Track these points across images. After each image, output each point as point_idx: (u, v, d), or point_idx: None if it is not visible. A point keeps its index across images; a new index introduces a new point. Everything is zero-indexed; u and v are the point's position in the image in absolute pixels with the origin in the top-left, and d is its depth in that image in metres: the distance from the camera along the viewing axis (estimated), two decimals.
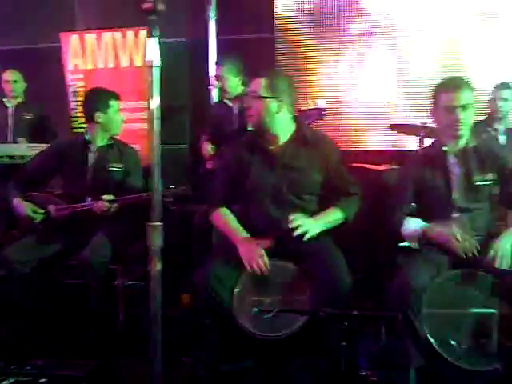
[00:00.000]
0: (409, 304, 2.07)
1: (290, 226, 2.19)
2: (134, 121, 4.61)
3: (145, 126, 4.69)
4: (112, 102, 2.97)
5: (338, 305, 2.05)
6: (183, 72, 4.71)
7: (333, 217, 2.36)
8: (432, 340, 2.09)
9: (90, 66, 4.77)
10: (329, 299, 2.08)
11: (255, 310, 1.91)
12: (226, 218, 2.43)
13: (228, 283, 2.21)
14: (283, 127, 2.39)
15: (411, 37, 4.42)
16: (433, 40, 4.39)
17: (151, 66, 1.52)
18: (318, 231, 2.26)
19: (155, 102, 1.57)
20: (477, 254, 2.18)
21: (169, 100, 4.70)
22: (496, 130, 3.76)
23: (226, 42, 4.65)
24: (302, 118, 2.64)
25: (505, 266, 2.15)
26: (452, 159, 2.36)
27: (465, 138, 2.36)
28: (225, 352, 2.24)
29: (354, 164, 3.33)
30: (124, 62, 4.73)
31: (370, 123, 4.51)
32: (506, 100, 3.71)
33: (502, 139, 3.74)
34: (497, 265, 2.15)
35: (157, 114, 1.55)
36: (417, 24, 4.41)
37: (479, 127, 3.79)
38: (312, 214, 2.36)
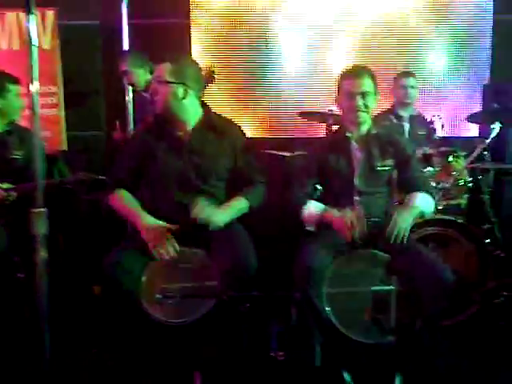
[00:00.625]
0: (307, 283, 2.14)
1: (194, 213, 2.17)
2: (42, 106, 4.41)
3: (54, 111, 4.53)
4: (11, 86, 2.83)
5: (244, 288, 2.09)
6: (97, 56, 4.55)
7: (238, 206, 2.37)
8: (332, 317, 2.18)
9: None
10: (235, 283, 2.11)
11: (158, 296, 1.89)
12: (125, 200, 2.37)
13: (136, 271, 2.18)
14: (191, 113, 2.37)
15: (323, 27, 4.51)
16: (345, 30, 4.51)
17: (31, 45, 1.42)
18: (224, 223, 2.26)
19: (35, 86, 1.48)
20: (360, 242, 2.27)
21: (82, 85, 4.57)
22: (401, 117, 3.93)
23: (140, 27, 4.51)
24: None
25: (400, 242, 2.27)
26: (355, 145, 2.46)
27: (366, 124, 2.46)
28: (137, 340, 2.21)
29: (267, 151, 3.38)
30: None
31: (282, 111, 4.57)
32: (412, 87, 3.88)
33: (407, 126, 3.92)
34: (392, 241, 2.26)
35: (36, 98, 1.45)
36: (329, 13, 4.50)
37: (383, 116, 4.00)
38: (219, 199, 2.37)
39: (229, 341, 2.13)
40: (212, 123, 2.41)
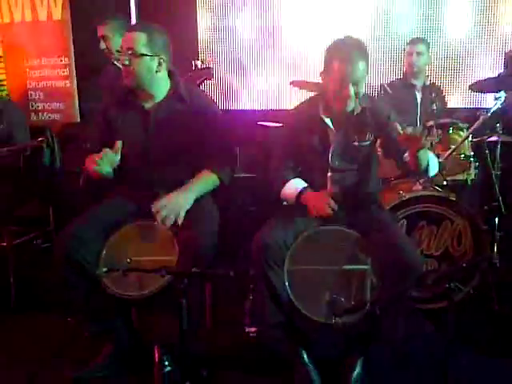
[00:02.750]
0: (263, 260, 2.06)
1: (158, 219, 2.11)
2: (54, 78, 4.47)
3: (67, 83, 4.57)
4: None
5: (203, 264, 2.05)
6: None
7: (205, 181, 2.30)
8: (292, 296, 2.10)
9: (6, 20, 4.56)
10: (193, 260, 2.06)
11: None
12: None
13: (93, 245, 2.17)
14: (160, 85, 2.31)
15: None
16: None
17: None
18: (191, 203, 2.20)
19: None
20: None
21: (94, 57, 4.59)
22: (413, 86, 3.71)
23: None
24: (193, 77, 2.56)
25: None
26: (329, 120, 2.32)
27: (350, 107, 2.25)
28: (94, 312, 2.22)
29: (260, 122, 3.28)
30: (42, 16, 4.52)
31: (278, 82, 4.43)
32: (421, 54, 3.64)
33: (419, 96, 3.70)
34: None
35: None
36: None
37: (397, 84, 3.79)
38: (185, 172, 2.31)
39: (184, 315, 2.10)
40: (180, 94, 2.33)
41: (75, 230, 2.14)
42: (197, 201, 2.26)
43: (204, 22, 4.45)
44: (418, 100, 3.68)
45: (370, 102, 2.31)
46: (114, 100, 2.39)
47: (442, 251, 2.75)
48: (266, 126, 3.23)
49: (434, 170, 2.25)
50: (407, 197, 2.72)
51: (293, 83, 3.45)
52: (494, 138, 3.17)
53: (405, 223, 2.73)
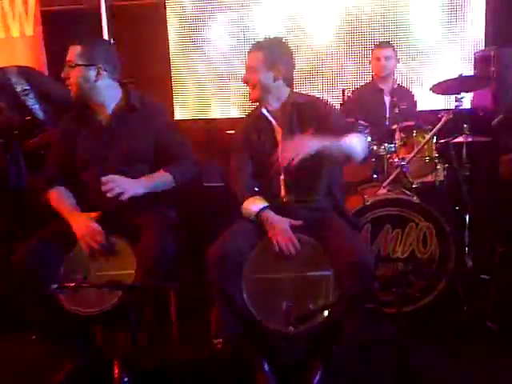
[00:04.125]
0: (220, 271, 2.05)
1: (104, 188, 2.10)
2: None
3: None
4: None
5: (159, 277, 2.04)
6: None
7: (160, 179, 2.29)
8: (250, 306, 2.09)
9: None
10: (149, 273, 2.06)
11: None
12: (59, 197, 2.34)
13: (52, 261, 2.16)
14: (108, 95, 2.31)
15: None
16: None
17: None
18: (140, 192, 2.18)
19: None
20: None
21: None
22: (381, 90, 3.72)
23: (119, 8, 4.49)
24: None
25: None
26: (274, 119, 2.32)
27: (274, 98, 2.30)
28: (53, 329, 2.21)
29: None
30: (15, 32, 4.53)
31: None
32: (387, 58, 3.65)
33: (387, 100, 3.71)
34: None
35: None
36: None
37: (365, 89, 3.80)
38: None
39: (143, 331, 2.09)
40: (132, 104, 2.33)
41: (34, 246, 2.14)
42: (157, 212, 2.26)
43: (175, 34, 4.47)
44: (387, 104, 3.68)
45: (303, 98, 2.37)
46: (69, 115, 2.39)
47: (409, 254, 2.75)
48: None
49: (357, 153, 2.18)
50: (370, 201, 2.72)
51: None
52: (459, 139, 3.19)
53: (370, 227, 2.73)
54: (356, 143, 2.15)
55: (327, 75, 4.44)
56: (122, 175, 2.23)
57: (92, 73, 2.24)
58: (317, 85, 4.44)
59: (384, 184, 2.86)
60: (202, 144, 4.11)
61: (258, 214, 2.21)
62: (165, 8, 4.43)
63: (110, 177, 2.13)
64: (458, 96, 2.89)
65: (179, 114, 4.62)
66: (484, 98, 3.94)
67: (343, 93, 3.33)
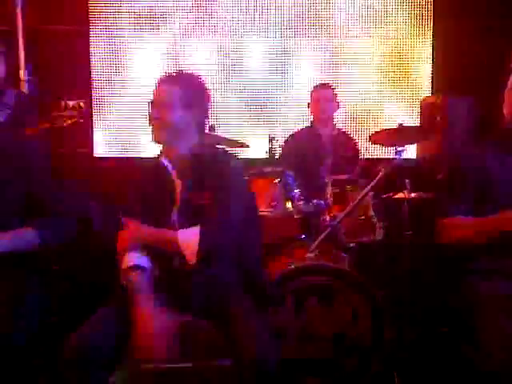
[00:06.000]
0: (77, 364, 1.58)
1: None
2: None
3: None
4: None
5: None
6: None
7: (18, 236, 1.84)
8: None
9: None
10: None
11: None
12: None
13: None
14: None
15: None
16: None
17: None
18: None
19: None
20: None
21: None
22: (319, 136, 3.36)
23: (36, 32, 4.05)
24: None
25: None
26: (173, 171, 1.89)
27: (182, 146, 1.87)
28: None
29: None
30: None
31: None
32: (328, 101, 3.32)
33: (327, 146, 3.34)
34: None
35: None
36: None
37: (303, 134, 3.44)
38: None
39: None
40: (1, 143, 1.88)
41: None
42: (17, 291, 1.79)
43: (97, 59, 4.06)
44: (327, 150, 3.33)
45: (208, 149, 1.91)
46: None
47: (337, 332, 2.31)
48: None
49: None
50: (293, 266, 2.30)
51: None
52: (400, 195, 2.86)
53: (292, 300, 2.29)
54: None
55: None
56: None
57: None
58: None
59: (312, 247, 2.44)
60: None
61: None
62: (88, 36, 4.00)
63: None
64: (398, 148, 2.54)
65: (101, 149, 4.15)
66: (429, 149, 3.66)
67: (270, 141, 2.92)
